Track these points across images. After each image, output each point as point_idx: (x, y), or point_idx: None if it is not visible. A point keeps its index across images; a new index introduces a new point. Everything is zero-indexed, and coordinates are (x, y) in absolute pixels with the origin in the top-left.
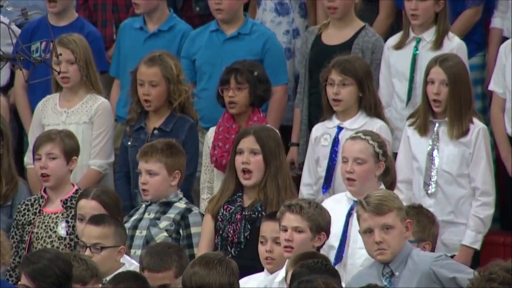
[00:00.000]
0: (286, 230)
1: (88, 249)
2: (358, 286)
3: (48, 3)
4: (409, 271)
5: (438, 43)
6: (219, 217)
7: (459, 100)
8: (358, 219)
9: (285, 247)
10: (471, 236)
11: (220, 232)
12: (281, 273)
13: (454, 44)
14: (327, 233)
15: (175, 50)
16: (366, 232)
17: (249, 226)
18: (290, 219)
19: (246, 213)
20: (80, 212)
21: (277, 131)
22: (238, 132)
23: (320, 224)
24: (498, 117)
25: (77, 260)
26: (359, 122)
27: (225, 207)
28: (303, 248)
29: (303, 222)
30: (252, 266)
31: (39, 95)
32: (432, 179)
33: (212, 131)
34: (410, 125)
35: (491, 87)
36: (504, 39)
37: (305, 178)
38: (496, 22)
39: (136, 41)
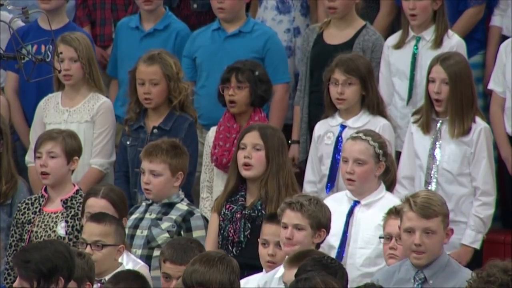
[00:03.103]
0: (286, 227)
1: (88, 246)
2: (387, 284)
3: (41, 0)
4: (444, 280)
5: (437, 42)
6: (221, 216)
7: (460, 99)
8: (401, 216)
9: (285, 244)
10: (471, 235)
11: (222, 231)
12: (281, 268)
13: (454, 42)
14: (327, 229)
15: (170, 49)
16: (407, 231)
17: (249, 225)
18: (291, 217)
19: (246, 212)
20: (88, 210)
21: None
22: (239, 132)
23: (320, 220)
24: (497, 116)
25: None
26: (362, 120)
27: (227, 206)
28: (304, 245)
29: (303, 219)
30: (253, 265)
31: (30, 97)
32: (433, 178)
33: (213, 131)
34: (414, 122)
35: (491, 86)
36: (503, 37)
37: (309, 175)
38: (496, 20)
39: (133, 40)
